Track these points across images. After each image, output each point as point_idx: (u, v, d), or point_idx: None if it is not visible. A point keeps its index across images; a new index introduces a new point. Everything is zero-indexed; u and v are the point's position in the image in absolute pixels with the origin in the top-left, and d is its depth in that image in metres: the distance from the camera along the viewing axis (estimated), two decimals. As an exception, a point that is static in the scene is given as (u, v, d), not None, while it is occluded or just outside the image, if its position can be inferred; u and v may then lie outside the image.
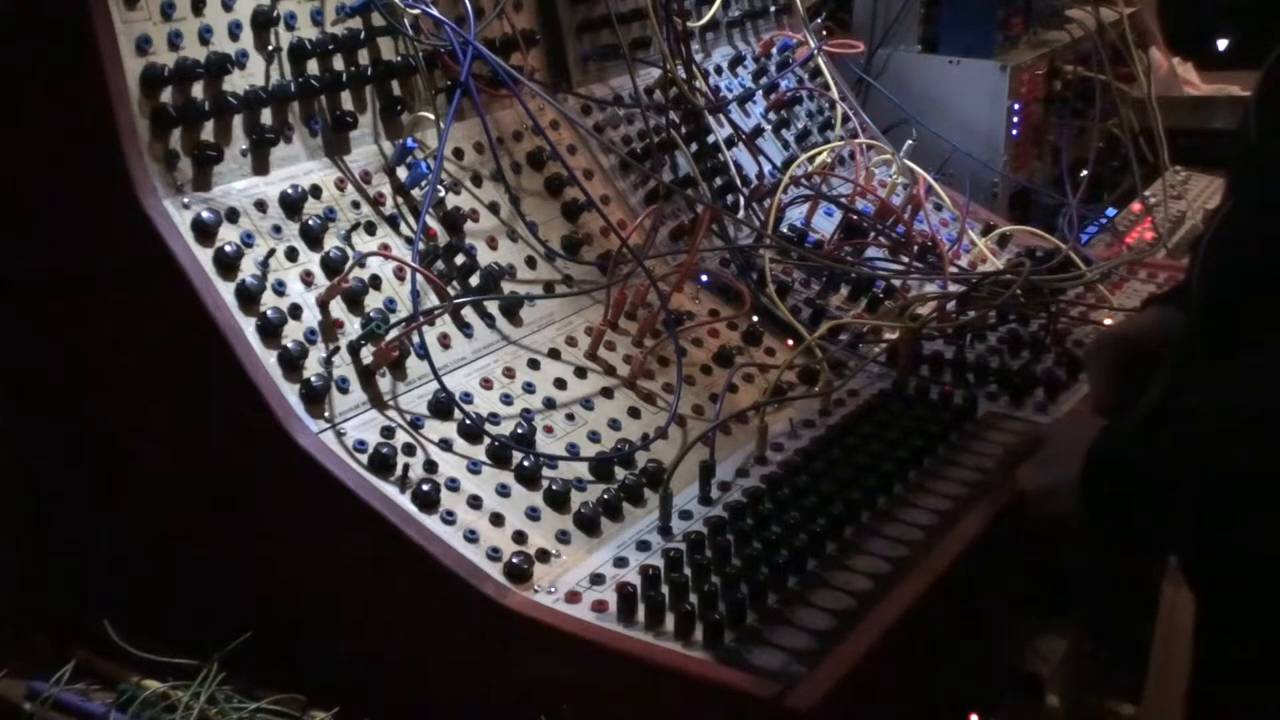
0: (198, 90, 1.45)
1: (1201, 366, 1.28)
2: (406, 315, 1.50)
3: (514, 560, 1.30)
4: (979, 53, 2.53)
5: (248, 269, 1.42)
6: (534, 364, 1.59)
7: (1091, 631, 1.60)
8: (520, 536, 1.34)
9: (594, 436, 1.52)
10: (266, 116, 1.52)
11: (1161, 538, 1.30)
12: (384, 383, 1.45)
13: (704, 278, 1.85)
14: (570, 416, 1.54)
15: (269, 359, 1.37)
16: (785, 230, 2.04)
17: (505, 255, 1.69)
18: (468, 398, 1.49)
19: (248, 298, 1.39)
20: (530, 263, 1.71)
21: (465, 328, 1.58)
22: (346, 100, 1.61)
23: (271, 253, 1.45)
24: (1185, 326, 1.37)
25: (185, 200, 1.41)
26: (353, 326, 1.46)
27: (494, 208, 1.72)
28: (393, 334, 1.46)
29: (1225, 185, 1.35)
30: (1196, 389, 1.24)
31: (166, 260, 1.37)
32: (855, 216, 2.09)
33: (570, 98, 1.93)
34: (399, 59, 1.67)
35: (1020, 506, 1.45)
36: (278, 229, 1.48)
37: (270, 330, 1.39)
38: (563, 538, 1.37)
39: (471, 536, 1.32)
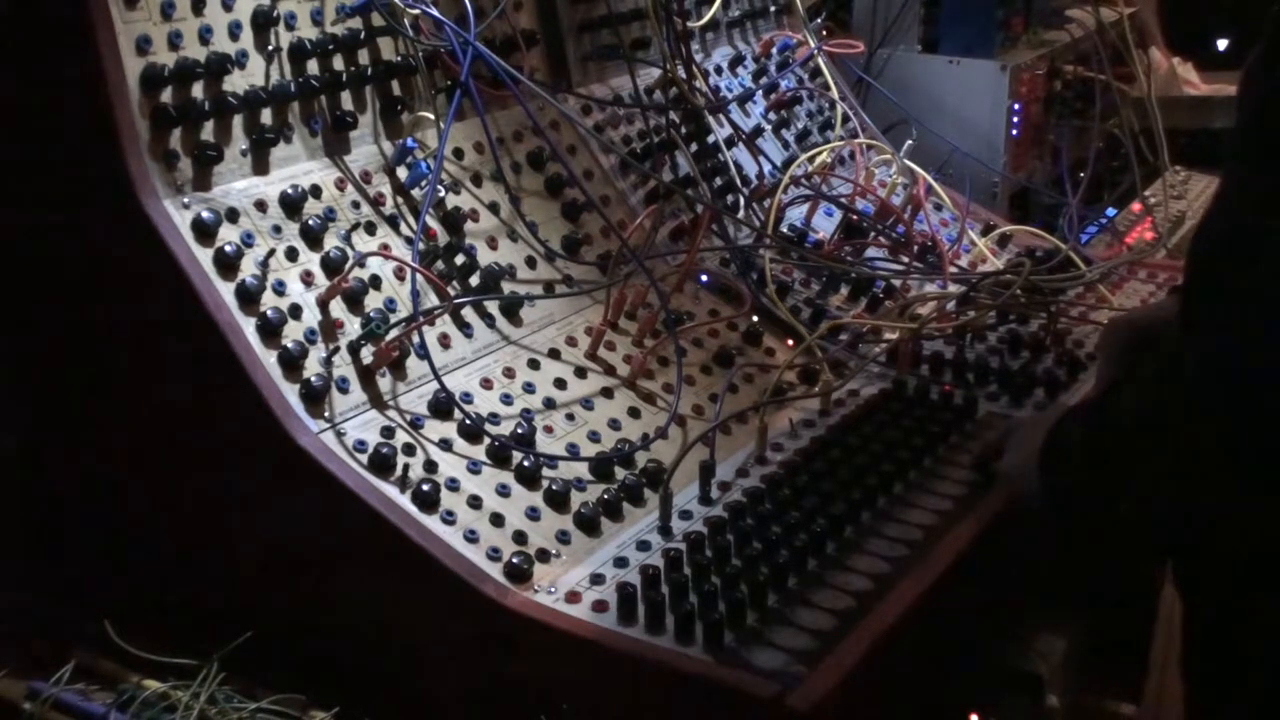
0: (198, 90, 1.45)
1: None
2: (406, 315, 1.50)
3: (514, 560, 1.30)
4: (979, 53, 2.53)
5: (248, 269, 1.42)
6: (534, 364, 1.59)
7: (1091, 631, 1.60)
8: (520, 536, 1.34)
9: (594, 436, 1.52)
10: (266, 116, 1.52)
11: (1105, 514, 1.31)
12: (384, 383, 1.45)
13: (704, 278, 1.85)
14: (570, 416, 1.54)
15: (269, 359, 1.37)
16: (785, 230, 2.05)
17: (505, 255, 1.69)
18: (468, 398, 1.49)
19: (248, 298, 1.39)
20: (530, 263, 1.71)
21: (465, 328, 1.58)
22: (346, 100, 1.61)
23: (271, 253, 1.45)
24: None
25: (185, 200, 1.41)
26: (353, 326, 1.46)
27: (494, 208, 1.72)
28: (393, 334, 1.46)
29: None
30: (1148, 365, 1.25)
31: (166, 260, 1.37)
32: (855, 216, 2.09)
33: (570, 98, 1.93)
34: (399, 59, 1.67)
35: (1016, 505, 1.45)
36: (278, 229, 1.48)
37: (270, 330, 1.39)
38: (563, 538, 1.37)
39: (471, 536, 1.32)
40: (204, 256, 1.39)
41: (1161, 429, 1.17)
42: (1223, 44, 3.69)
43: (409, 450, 1.38)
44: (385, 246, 1.56)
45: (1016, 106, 2.51)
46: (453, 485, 1.37)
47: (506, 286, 1.65)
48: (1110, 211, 2.58)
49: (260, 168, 1.51)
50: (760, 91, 2.26)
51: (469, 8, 1.65)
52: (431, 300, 1.54)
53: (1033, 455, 1.36)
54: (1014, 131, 2.51)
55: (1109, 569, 1.64)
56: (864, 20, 2.61)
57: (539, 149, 1.81)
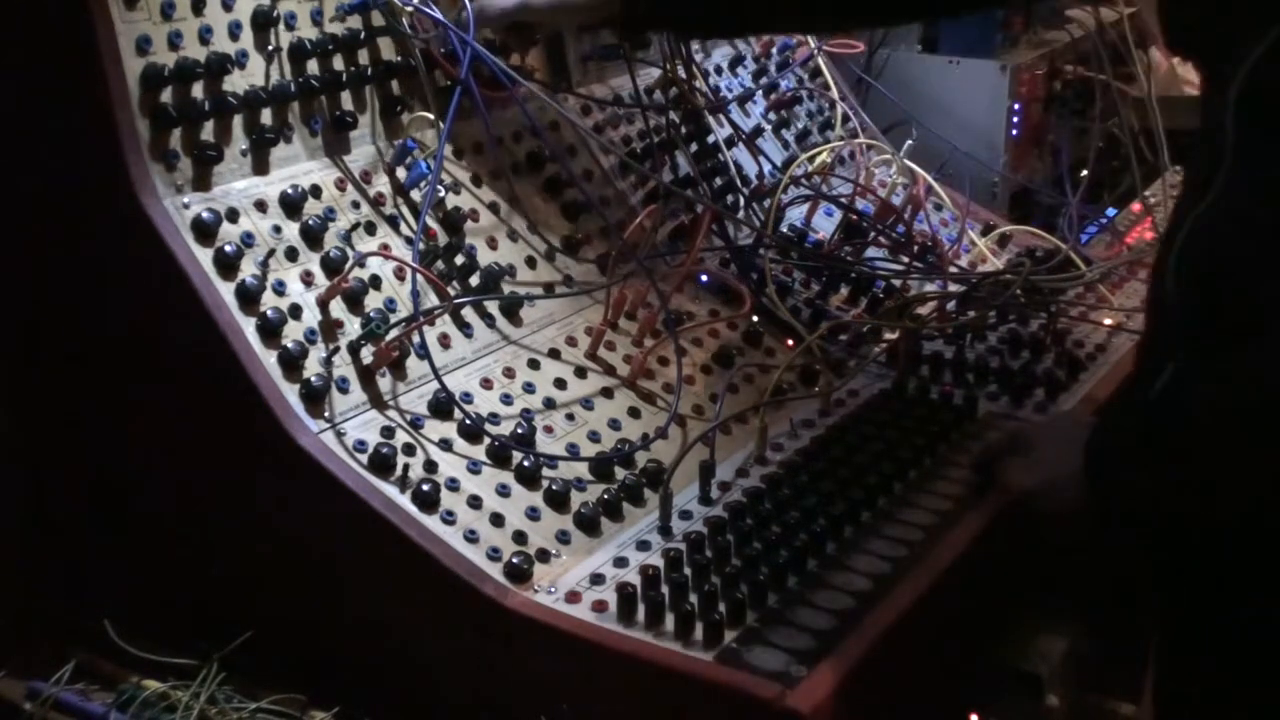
0: (198, 90, 1.45)
1: (1199, 355, 1.27)
2: (406, 315, 1.50)
3: (514, 560, 1.30)
4: (979, 53, 2.53)
5: (248, 269, 1.42)
6: (534, 364, 1.59)
7: (1091, 631, 1.60)
8: (520, 536, 1.34)
9: (594, 436, 1.52)
10: (266, 116, 1.52)
11: (1169, 514, 1.31)
12: (384, 383, 1.45)
13: (704, 278, 1.85)
14: (570, 416, 1.54)
15: (269, 359, 1.37)
16: (785, 230, 2.05)
17: (505, 255, 1.69)
18: (468, 398, 1.49)
19: (248, 298, 1.39)
20: (530, 263, 1.71)
21: (465, 328, 1.58)
22: (346, 100, 1.61)
23: (271, 253, 1.45)
24: (1156, 323, 1.37)
25: (185, 200, 1.41)
26: (353, 326, 1.46)
27: (494, 208, 1.72)
28: (393, 334, 1.46)
29: (1191, 182, 1.34)
30: (1214, 371, 1.24)
31: (166, 260, 1.37)
32: (855, 216, 2.09)
33: (570, 98, 1.93)
34: (399, 59, 1.67)
35: (1019, 506, 1.45)
36: (278, 229, 1.48)
37: (270, 330, 1.39)
38: (563, 538, 1.37)
39: (471, 536, 1.32)
40: (204, 256, 1.39)
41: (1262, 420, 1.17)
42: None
43: (409, 450, 1.38)
44: (385, 246, 1.56)
45: (1016, 106, 2.51)
46: (453, 485, 1.37)
47: (506, 286, 1.65)
48: (1110, 211, 2.58)
49: (260, 168, 1.51)
50: (760, 91, 2.26)
51: (469, 8, 1.65)
52: (431, 300, 1.54)
53: (1068, 464, 1.34)
54: (1014, 131, 2.51)
55: (1109, 569, 1.64)
56: (864, 20, 2.61)
57: (539, 149, 1.81)
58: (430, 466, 1.38)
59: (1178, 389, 1.27)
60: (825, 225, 2.10)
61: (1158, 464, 1.27)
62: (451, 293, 1.57)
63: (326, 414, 1.38)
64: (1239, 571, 1.29)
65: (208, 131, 1.46)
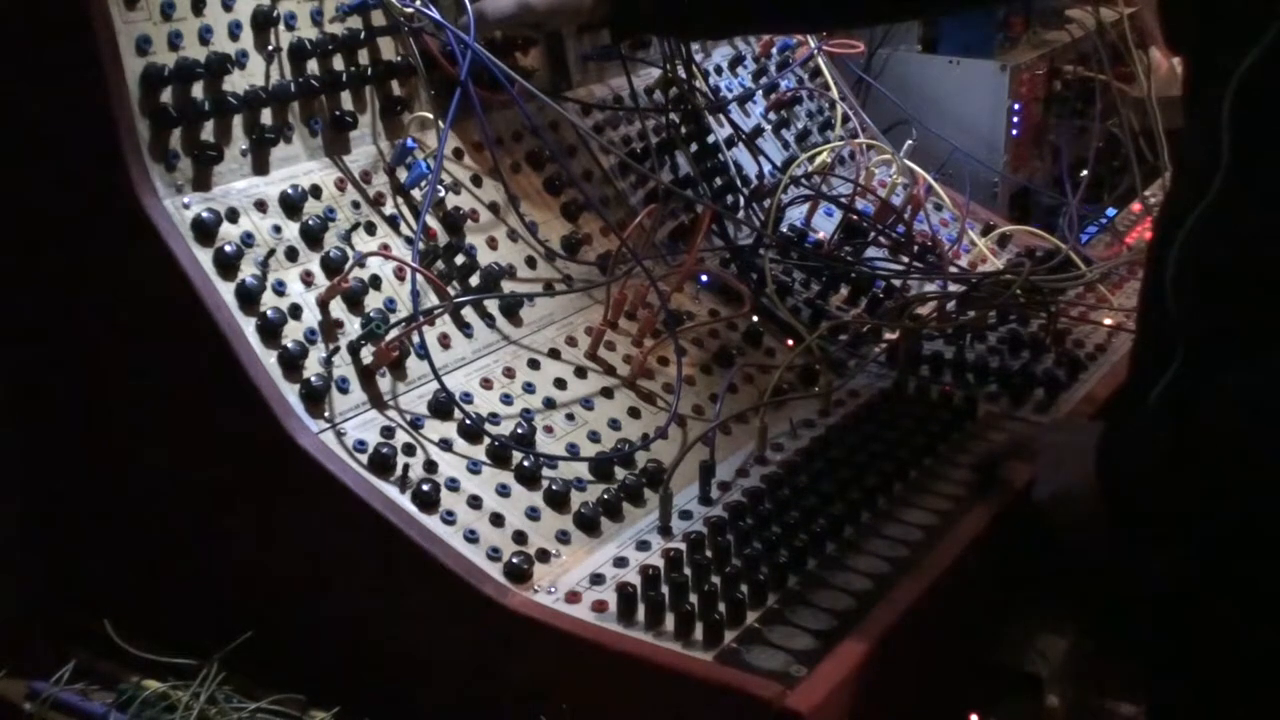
0: (198, 90, 1.45)
1: (1202, 355, 1.27)
2: (406, 315, 1.50)
3: (514, 560, 1.30)
4: (979, 53, 2.53)
5: (248, 269, 1.42)
6: (534, 364, 1.59)
7: (1091, 631, 1.60)
8: (520, 536, 1.34)
9: (594, 436, 1.52)
10: (266, 116, 1.52)
11: (1188, 520, 1.30)
12: (384, 383, 1.45)
13: (704, 278, 1.85)
14: (570, 416, 1.54)
15: (269, 359, 1.37)
16: (785, 230, 2.05)
17: (505, 255, 1.69)
18: (468, 398, 1.49)
19: (248, 298, 1.39)
20: (530, 263, 1.71)
21: (465, 328, 1.58)
22: (346, 100, 1.61)
23: (271, 253, 1.45)
24: (1153, 322, 1.36)
25: (185, 200, 1.41)
26: (353, 326, 1.46)
27: (494, 208, 1.72)
28: (393, 334, 1.46)
29: (1185, 181, 1.33)
30: (1234, 375, 1.23)
31: (166, 260, 1.37)
32: (855, 216, 2.09)
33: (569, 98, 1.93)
34: (399, 59, 1.67)
35: (1021, 506, 1.45)
36: (278, 229, 1.48)
37: (270, 330, 1.39)
38: (563, 538, 1.37)
39: (471, 536, 1.32)
40: (204, 256, 1.39)
41: None
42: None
43: (409, 450, 1.38)
44: (385, 246, 1.56)
45: (1016, 106, 2.51)
46: (453, 485, 1.37)
47: (506, 286, 1.65)
48: (1110, 211, 2.58)
49: (260, 168, 1.51)
50: (760, 91, 2.26)
51: (469, 8, 1.65)
52: (431, 300, 1.54)
53: (1080, 472, 1.34)
54: (1014, 131, 2.51)
55: (1114, 571, 1.64)
56: (864, 20, 2.61)
57: (539, 149, 1.81)
58: (430, 466, 1.38)
59: (1182, 390, 1.27)
60: (825, 225, 2.10)
61: (1171, 467, 1.27)
62: (451, 293, 1.57)
63: (326, 414, 1.38)
64: (1250, 576, 1.28)
65: (208, 131, 1.46)
